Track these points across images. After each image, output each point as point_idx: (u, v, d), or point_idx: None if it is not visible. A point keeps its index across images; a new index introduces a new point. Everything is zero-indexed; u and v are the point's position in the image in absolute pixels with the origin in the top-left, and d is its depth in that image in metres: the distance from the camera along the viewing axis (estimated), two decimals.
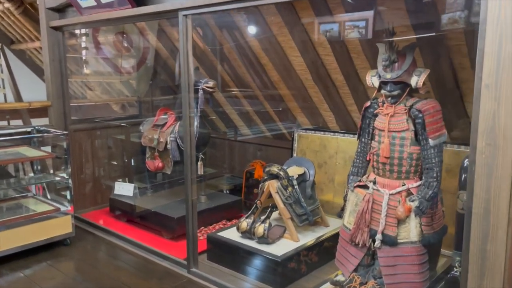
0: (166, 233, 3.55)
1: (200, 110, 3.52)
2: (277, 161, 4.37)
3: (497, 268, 1.52)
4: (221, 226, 3.71)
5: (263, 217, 3.06)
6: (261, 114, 4.32)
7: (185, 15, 2.61)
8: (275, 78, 3.67)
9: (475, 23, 2.48)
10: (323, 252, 3.07)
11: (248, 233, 3.00)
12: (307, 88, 3.55)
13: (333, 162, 3.79)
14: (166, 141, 3.71)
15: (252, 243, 2.96)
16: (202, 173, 3.73)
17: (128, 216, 3.90)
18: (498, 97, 1.47)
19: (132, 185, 3.96)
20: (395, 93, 2.36)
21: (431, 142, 2.31)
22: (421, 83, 2.30)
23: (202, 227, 3.65)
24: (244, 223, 3.03)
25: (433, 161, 2.33)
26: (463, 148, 3.04)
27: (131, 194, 3.93)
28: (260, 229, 2.93)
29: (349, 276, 2.51)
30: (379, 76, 2.44)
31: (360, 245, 2.45)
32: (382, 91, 2.43)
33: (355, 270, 2.52)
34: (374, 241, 2.42)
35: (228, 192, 4.50)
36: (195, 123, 3.58)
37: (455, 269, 2.07)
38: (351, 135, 3.66)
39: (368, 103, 2.54)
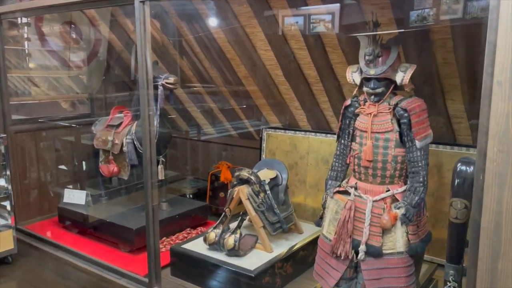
0: (124, 245, 3.20)
1: (160, 108, 3.19)
2: (244, 161, 4.14)
3: None
4: (185, 235, 3.40)
5: (232, 227, 2.79)
6: (226, 111, 4.04)
7: (142, 2, 2.28)
8: (242, 74, 3.40)
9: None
10: (298, 262, 2.84)
11: (217, 245, 2.72)
12: (277, 84, 3.30)
13: (304, 163, 3.58)
14: (122, 143, 3.35)
15: (221, 256, 2.69)
16: (163, 178, 3.40)
17: (79, 227, 3.50)
18: None
19: (84, 192, 3.57)
20: (379, 90, 2.15)
21: (417, 144, 2.12)
22: (407, 80, 2.10)
23: (164, 237, 3.32)
24: (212, 234, 2.75)
25: (419, 164, 2.15)
26: (441, 148, 2.91)
27: (83, 202, 3.53)
28: (230, 240, 2.66)
29: None
30: (361, 72, 2.23)
31: (342, 257, 2.23)
32: (364, 89, 2.21)
33: (337, 284, 2.30)
34: (357, 252, 2.22)
35: (191, 196, 4.20)
36: (155, 123, 3.25)
37: (448, 284, 1.90)
38: (323, 135, 3.46)
39: (348, 102, 2.32)
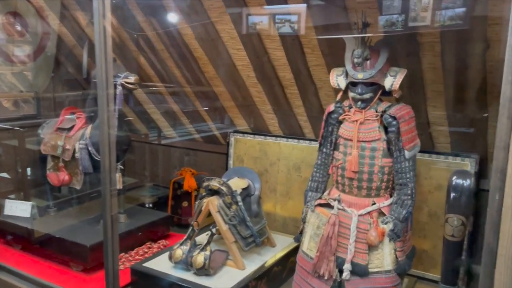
0: (76, 264, 2.85)
1: (118, 110, 2.87)
2: (209, 168, 3.87)
3: None
4: (146, 250, 3.09)
5: (199, 241, 2.54)
6: (190, 114, 3.76)
7: None
8: (210, 74, 3.14)
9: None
10: (272, 279, 2.63)
11: (184, 263, 2.46)
12: (248, 86, 3.07)
13: (274, 170, 3.38)
14: (74, 149, 2.99)
15: (189, 275, 2.42)
16: (121, 187, 3.08)
17: (24, 242, 3.10)
18: None
19: (29, 203, 3.16)
20: (367, 96, 1.99)
21: (406, 154, 1.98)
22: (398, 85, 1.96)
23: (123, 253, 3.00)
24: (179, 251, 2.48)
25: (408, 175, 2.02)
26: (419, 156, 2.81)
27: (28, 215, 3.13)
28: (200, 258, 2.40)
29: None
30: (346, 76, 2.06)
31: (325, 277, 2.04)
32: (351, 94, 2.04)
33: None
34: (341, 271, 2.04)
35: (150, 206, 3.88)
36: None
37: None
38: (296, 140, 3.28)
39: (332, 108, 2.15)
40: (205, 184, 2.62)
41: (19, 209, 3.15)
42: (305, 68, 2.67)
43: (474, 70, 2.22)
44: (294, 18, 2.77)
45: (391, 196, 2.10)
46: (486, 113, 2.44)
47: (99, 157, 2.88)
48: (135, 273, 2.54)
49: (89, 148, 2.93)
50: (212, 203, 2.55)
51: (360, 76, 1.96)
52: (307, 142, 3.23)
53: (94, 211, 3.36)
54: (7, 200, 3.20)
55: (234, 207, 2.54)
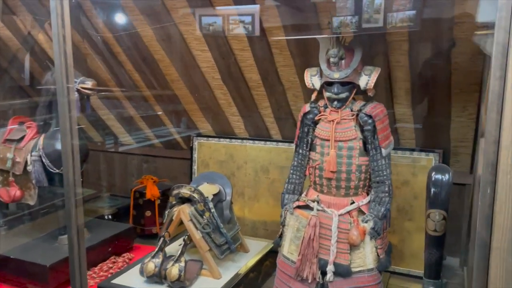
0: (34, 285, 2.62)
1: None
2: (171, 174, 3.74)
3: None
4: (110, 265, 2.90)
5: (169, 252, 2.42)
6: (149, 119, 3.61)
7: None
8: (172, 77, 3.02)
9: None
10: (248, 285, 2.57)
11: (157, 277, 2.33)
12: (213, 88, 2.99)
13: (242, 173, 3.32)
14: (26, 161, 2.75)
15: None
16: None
17: None
18: None
19: None
20: (343, 95, 1.99)
21: (383, 151, 2.00)
22: (373, 84, 1.97)
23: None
24: (151, 264, 2.34)
25: (384, 173, 2.03)
26: (393, 153, 2.86)
27: None
28: (174, 270, 2.28)
29: None
30: (321, 76, 2.04)
31: (309, 280, 2.01)
32: (326, 94, 2.03)
33: None
34: (323, 273, 2.02)
35: (110, 217, 3.68)
36: None
37: None
38: (262, 142, 3.24)
39: (307, 108, 2.12)
40: (175, 192, 2.50)
41: None
42: (273, 69, 2.63)
43: (440, 68, 2.29)
44: (248, 18, 2.74)
45: (367, 194, 2.11)
46: (449, 109, 2.53)
47: (54, 169, 2.71)
48: None
49: (43, 160, 2.71)
50: (184, 212, 2.44)
51: (336, 75, 1.94)
52: (274, 143, 3.20)
53: (48, 227, 3.13)
54: None
55: (207, 214, 2.45)
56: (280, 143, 3.18)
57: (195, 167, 3.51)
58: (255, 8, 2.66)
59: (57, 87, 1.90)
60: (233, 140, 3.34)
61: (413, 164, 2.78)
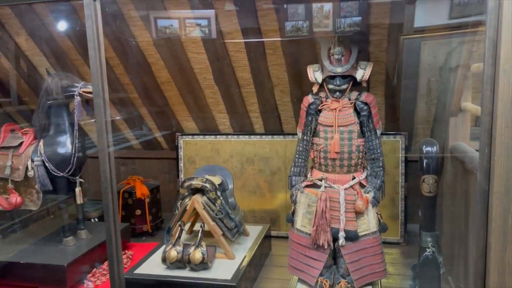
0: (48, 287, 2.66)
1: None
2: (151, 174, 3.84)
3: None
4: None
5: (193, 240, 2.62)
6: (130, 121, 3.71)
7: None
8: (163, 79, 3.18)
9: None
10: (256, 264, 2.84)
11: (180, 262, 2.51)
12: (203, 88, 3.21)
13: (228, 166, 3.55)
14: (26, 167, 2.77)
15: (188, 273, 2.49)
16: (81, 202, 2.96)
17: None
18: None
19: None
20: (344, 87, 2.34)
21: (378, 132, 2.39)
22: (367, 76, 2.34)
23: (94, 269, 2.89)
24: (173, 251, 2.52)
25: (378, 151, 2.42)
26: None
27: None
28: (198, 254, 2.49)
29: (317, 282, 2.37)
30: (322, 71, 2.38)
31: (325, 247, 2.34)
32: (329, 86, 2.36)
33: (320, 273, 2.40)
34: (334, 239, 2.36)
35: (97, 220, 3.73)
36: (71, 140, 2.80)
37: (427, 250, 2.20)
38: (247, 136, 3.51)
39: (311, 99, 2.43)
40: (186, 184, 2.69)
41: None
42: (265, 68, 2.92)
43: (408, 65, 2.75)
44: (203, 22, 2.99)
45: (363, 170, 2.49)
46: (415, 97, 3.01)
47: (59, 172, 2.76)
48: (133, 284, 2.47)
49: (46, 164, 2.75)
50: (197, 201, 2.65)
51: (339, 70, 2.29)
52: (258, 136, 3.49)
53: (43, 232, 3.15)
54: None
55: (218, 201, 2.68)
56: (264, 136, 3.48)
57: (181, 164, 3.69)
58: (210, 12, 2.93)
59: (93, 89, 2.03)
60: (218, 136, 3.57)
61: (383, 146, 3.24)
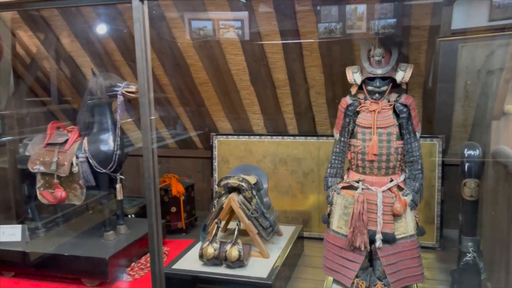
0: (91, 280, 2.77)
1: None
2: (185, 173, 3.92)
3: None
4: None
5: (228, 237, 2.66)
6: (166, 120, 3.80)
7: (141, 1, 2.04)
8: (201, 80, 3.26)
9: None
10: (290, 263, 2.86)
11: (217, 259, 2.56)
12: (239, 89, 3.26)
13: (261, 166, 3.58)
14: (71, 163, 2.88)
15: (224, 270, 2.54)
16: (122, 198, 3.05)
17: (17, 268, 2.89)
18: None
19: (19, 226, 2.96)
20: (383, 88, 2.34)
21: (417, 134, 2.37)
22: (408, 78, 2.33)
23: (133, 263, 2.98)
24: (210, 248, 2.58)
25: (417, 153, 2.40)
26: None
27: (19, 239, 2.93)
28: (234, 251, 2.53)
29: (353, 283, 2.38)
30: (361, 73, 2.39)
31: (362, 248, 2.34)
32: (369, 88, 2.37)
33: (356, 275, 2.40)
34: (371, 242, 2.36)
35: (133, 216, 3.83)
36: (113, 138, 2.90)
37: (468, 255, 2.17)
38: (280, 137, 3.54)
39: (349, 101, 2.44)
40: (223, 182, 2.75)
41: (7, 233, 2.92)
42: (301, 69, 2.95)
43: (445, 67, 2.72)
44: (237, 24, 3.02)
45: (401, 172, 2.47)
46: (452, 100, 2.97)
47: (101, 169, 2.86)
48: (172, 279, 2.52)
49: (90, 161, 2.86)
50: (234, 200, 2.69)
51: (379, 71, 2.29)
52: (292, 137, 3.52)
53: (84, 226, 3.27)
54: None
55: (254, 200, 2.72)
56: (297, 137, 3.50)
57: (215, 163, 3.75)
58: (243, 14, 2.97)
59: (139, 89, 2.11)
60: (251, 136, 3.62)
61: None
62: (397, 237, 2.34)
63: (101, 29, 3.16)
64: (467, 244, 2.18)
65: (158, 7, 2.74)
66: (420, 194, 2.46)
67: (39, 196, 2.95)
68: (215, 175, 3.73)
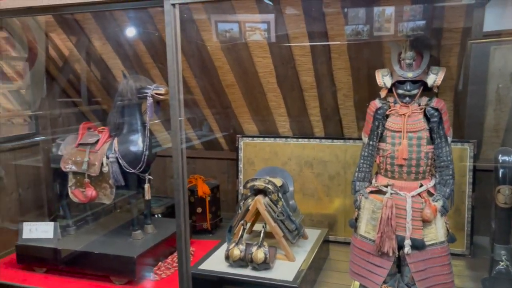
0: (119, 277, 2.82)
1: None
2: (210, 174, 3.95)
3: None
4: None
5: (253, 239, 2.67)
6: (192, 122, 3.85)
7: (173, 4, 2.07)
8: (228, 82, 3.28)
9: None
10: (316, 267, 2.85)
11: (243, 261, 2.58)
12: (265, 92, 3.27)
13: (287, 169, 3.57)
14: (102, 163, 2.95)
15: (250, 272, 2.55)
16: (149, 198, 3.10)
17: (49, 265, 2.98)
18: None
19: (52, 224, 3.04)
20: (414, 92, 2.30)
21: (449, 139, 2.33)
22: (440, 82, 2.29)
23: (160, 262, 3.03)
24: (236, 250, 2.59)
25: (448, 158, 2.35)
26: None
27: (51, 236, 3.02)
28: (260, 254, 2.54)
29: None
30: (391, 76, 2.36)
31: (390, 254, 2.31)
32: (399, 91, 2.33)
33: (384, 281, 2.37)
34: (400, 247, 2.32)
35: (160, 216, 3.89)
36: (143, 139, 2.96)
37: (501, 263, 2.11)
38: (306, 140, 3.53)
39: (379, 104, 2.41)
40: (249, 184, 2.76)
41: (39, 230, 3.01)
42: (329, 72, 2.93)
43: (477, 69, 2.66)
44: (263, 26, 3.01)
45: (431, 177, 2.43)
46: (484, 104, 2.90)
47: (130, 169, 2.92)
48: (199, 280, 2.55)
49: (120, 161, 2.92)
50: (260, 202, 2.70)
51: (409, 75, 2.26)
52: (318, 140, 3.50)
53: (112, 224, 3.34)
54: (24, 224, 3.04)
55: (280, 203, 2.72)
56: (323, 140, 3.48)
57: (240, 165, 3.77)
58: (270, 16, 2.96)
59: (170, 91, 2.14)
60: (277, 139, 3.62)
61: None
62: (427, 243, 2.29)
63: (132, 32, 3.22)
64: (500, 252, 2.12)
65: (188, 10, 2.78)
66: (451, 200, 2.41)
67: (70, 195, 3.03)
68: (241, 176, 3.74)
